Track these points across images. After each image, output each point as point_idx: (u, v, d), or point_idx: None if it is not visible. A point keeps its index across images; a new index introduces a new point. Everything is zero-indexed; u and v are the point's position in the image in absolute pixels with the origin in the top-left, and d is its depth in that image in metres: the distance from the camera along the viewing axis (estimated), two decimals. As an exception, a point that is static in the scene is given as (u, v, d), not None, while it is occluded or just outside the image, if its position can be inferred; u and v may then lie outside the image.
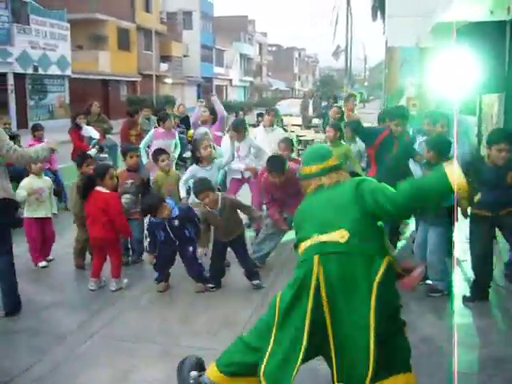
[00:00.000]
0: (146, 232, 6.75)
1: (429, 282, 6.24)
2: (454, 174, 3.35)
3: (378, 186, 3.70)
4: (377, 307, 3.37)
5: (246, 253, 6.65)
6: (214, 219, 6.39)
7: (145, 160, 9.88)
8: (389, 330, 3.54)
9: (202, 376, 3.97)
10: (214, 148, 7.76)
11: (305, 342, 3.47)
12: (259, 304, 5.91)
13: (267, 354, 3.62)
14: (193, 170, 7.35)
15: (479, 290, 6.02)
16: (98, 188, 6.39)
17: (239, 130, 8.09)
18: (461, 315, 5.69)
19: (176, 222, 6.25)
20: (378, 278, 3.41)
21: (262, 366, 3.59)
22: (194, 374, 4.01)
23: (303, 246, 3.69)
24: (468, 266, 6.97)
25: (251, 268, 6.56)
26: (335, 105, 12.64)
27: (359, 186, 3.69)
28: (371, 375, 3.39)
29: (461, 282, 6.60)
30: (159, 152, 7.51)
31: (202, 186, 6.26)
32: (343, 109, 11.19)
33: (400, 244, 7.99)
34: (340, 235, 3.54)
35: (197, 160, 7.34)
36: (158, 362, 4.64)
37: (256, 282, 6.47)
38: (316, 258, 3.51)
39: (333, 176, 3.85)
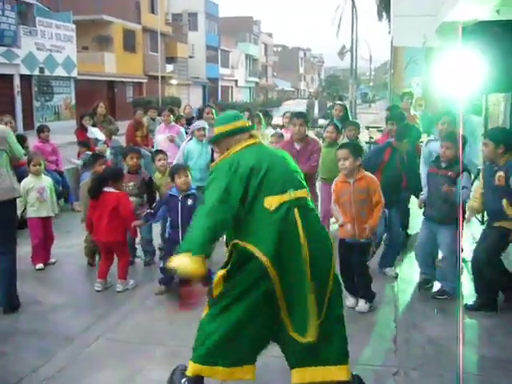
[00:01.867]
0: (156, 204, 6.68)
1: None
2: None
3: None
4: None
5: None
6: None
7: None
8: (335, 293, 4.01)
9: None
10: None
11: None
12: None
13: None
14: None
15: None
16: (107, 189, 6.38)
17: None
18: (467, 315, 5.67)
19: (189, 202, 6.26)
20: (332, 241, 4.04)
21: None
22: (184, 380, 3.96)
23: (275, 200, 3.76)
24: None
25: None
26: (338, 102, 12.52)
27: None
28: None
29: (468, 283, 6.59)
30: (156, 152, 7.53)
31: None
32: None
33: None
34: (306, 192, 3.93)
35: None
36: (165, 364, 4.63)
37: None
38: (296, 210, 3.77)
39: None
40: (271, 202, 3.74)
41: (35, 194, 7.19)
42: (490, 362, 4.78)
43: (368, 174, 5.77)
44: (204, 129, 8.25)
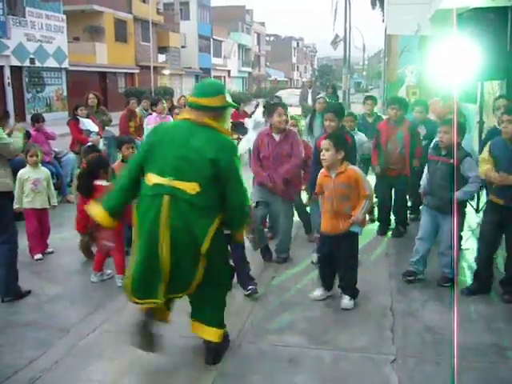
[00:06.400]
0: None
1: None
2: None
3: (237, 171, 4.20)
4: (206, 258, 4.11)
5: None
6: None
7: None
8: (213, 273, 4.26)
9: None
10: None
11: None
12: (262, 294, 5.93)
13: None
14: None
15: (481, 283, 5.96)
16: (97, 182, 6.35)
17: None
18: (464, 302, 5.67)
19: None
20: (208, 238, 4.05)
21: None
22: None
23: (154, 178, 4.06)
24: (470, 254, 6.99)
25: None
26: (320, 95, 11.97)
27: (223, 153, 4.10)
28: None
29: (464, 270, 6.61)
30: None
31: None
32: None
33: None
34: (192, 187, 4.00)
35: None
36: (162, 354, 4.61)
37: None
38: (166, 198, 3.99)
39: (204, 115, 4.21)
40: (150, 179, 4.10)
41: (30, 185, 7.20)
42: (489, 348, 4.78)
43: (352, 167, 5.56)
44: None
